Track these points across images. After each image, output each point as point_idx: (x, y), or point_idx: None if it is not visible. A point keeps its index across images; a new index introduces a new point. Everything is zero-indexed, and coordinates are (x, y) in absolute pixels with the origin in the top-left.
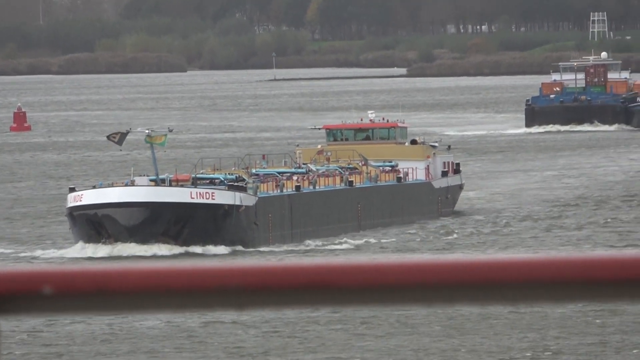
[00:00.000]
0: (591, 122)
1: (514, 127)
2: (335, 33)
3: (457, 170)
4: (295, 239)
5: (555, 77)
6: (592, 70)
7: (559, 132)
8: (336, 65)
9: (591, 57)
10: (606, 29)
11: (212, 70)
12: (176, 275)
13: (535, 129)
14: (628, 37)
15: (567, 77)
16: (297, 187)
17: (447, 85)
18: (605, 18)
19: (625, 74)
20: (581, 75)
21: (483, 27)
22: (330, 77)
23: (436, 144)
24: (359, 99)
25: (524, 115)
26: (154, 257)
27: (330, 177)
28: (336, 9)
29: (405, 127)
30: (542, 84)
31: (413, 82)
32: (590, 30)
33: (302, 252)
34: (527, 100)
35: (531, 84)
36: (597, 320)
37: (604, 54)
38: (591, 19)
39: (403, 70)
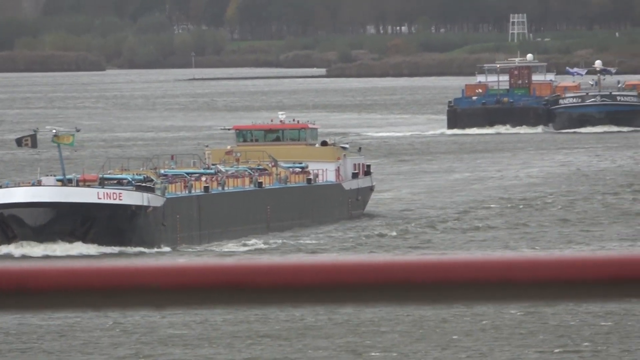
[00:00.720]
0: (513, 125)
1: (436, 128)
2: (254, 33)
3: (367, 172)
4: (204, 240)
5: (481, 78)
6: (516, 72)
7: (480, 134)
8: (255, 65)
9: (517, 59)
10: (525, 31)
11: (131, 69)
12: (95, 274)
13: (457, 131)
14: (547, 39)
15: (492, 78)
16: (206, 188)
17: (367, 85)
18: (525, 20)
19: (550, 76)
20: (506, 77)
21: (402, 28)
22: (249, 77)
23: (347, 146)
24: (279, 99)
25: (446, 117)
26: (66, 257)
27: (240, 178)
28: (256, 9)
29: (316, 129)
30: (466, 85)
31: (332, 82)
32: (510, 32)
33: (211, 253)
34: (450, 102)
35: (454, 85)
36: (523, 323)
37: (529, 56)
38: (511, 20)
39: (322, 71)
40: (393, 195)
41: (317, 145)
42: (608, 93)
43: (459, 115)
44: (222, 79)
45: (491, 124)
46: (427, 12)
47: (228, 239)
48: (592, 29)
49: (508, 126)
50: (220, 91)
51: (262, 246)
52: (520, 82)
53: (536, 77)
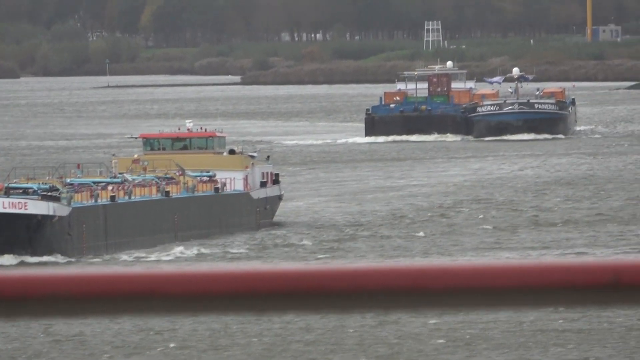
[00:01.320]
0: (430, 132)
1: (353, 136)
2: (169, 40)
3: (276, 181)
4: (110, 249)
5: (400, 86)
6: (435, 80)
7: (398, 141)
8: (170, 72)
9: (436, 67)
10: (441, 38)
11: (45, 76)
12: (3, 283)
13: (374, 139)
14: (463, 47)
15: (412, 86)
16: (112, 197)
17: (284, 93)
18: (440, 27)
19: (470, 84)
20: (425, 85)
21: (317, 35)
22: (164, 84)
23: (255, 154)
24: (194, 106)
25: (363, 125)
26: None
27: (147, 187)
28: (170, 16)
29: (224, 137)
30: (385, 93)
31: (248, 89)
32: (425, 39)
33: (118, 262)
34: (368, 110)
35: (374, 92)
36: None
37: (449, 64)
38: (426, 28)
39: (237, 78)
40: (304, 204)
41: (224, 153)
42: (526, 101)
43: (376, 123)
44: (137, 86)
45: (409, 132)
46: (341, 20)
47: (135, 249)
48: (507, 36)
49: (425, 134)
50: (135, 98)
51: (172, 255)
52: (439, 89)
53: (456, 85)
